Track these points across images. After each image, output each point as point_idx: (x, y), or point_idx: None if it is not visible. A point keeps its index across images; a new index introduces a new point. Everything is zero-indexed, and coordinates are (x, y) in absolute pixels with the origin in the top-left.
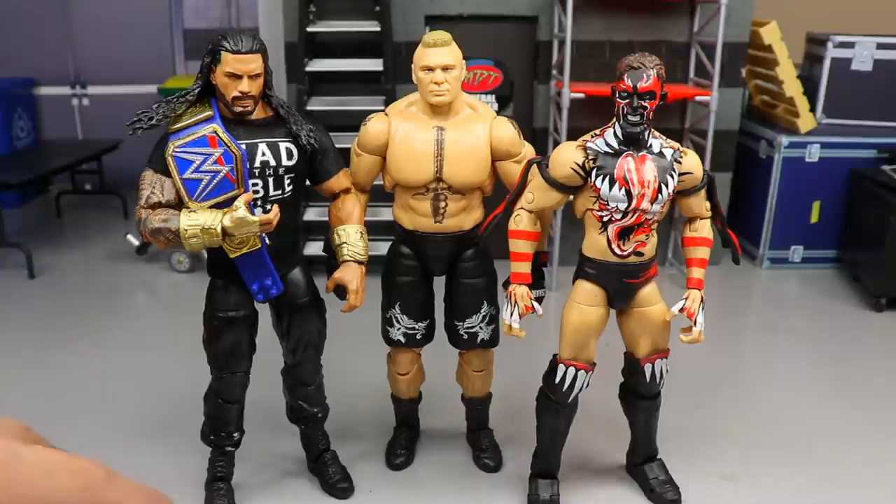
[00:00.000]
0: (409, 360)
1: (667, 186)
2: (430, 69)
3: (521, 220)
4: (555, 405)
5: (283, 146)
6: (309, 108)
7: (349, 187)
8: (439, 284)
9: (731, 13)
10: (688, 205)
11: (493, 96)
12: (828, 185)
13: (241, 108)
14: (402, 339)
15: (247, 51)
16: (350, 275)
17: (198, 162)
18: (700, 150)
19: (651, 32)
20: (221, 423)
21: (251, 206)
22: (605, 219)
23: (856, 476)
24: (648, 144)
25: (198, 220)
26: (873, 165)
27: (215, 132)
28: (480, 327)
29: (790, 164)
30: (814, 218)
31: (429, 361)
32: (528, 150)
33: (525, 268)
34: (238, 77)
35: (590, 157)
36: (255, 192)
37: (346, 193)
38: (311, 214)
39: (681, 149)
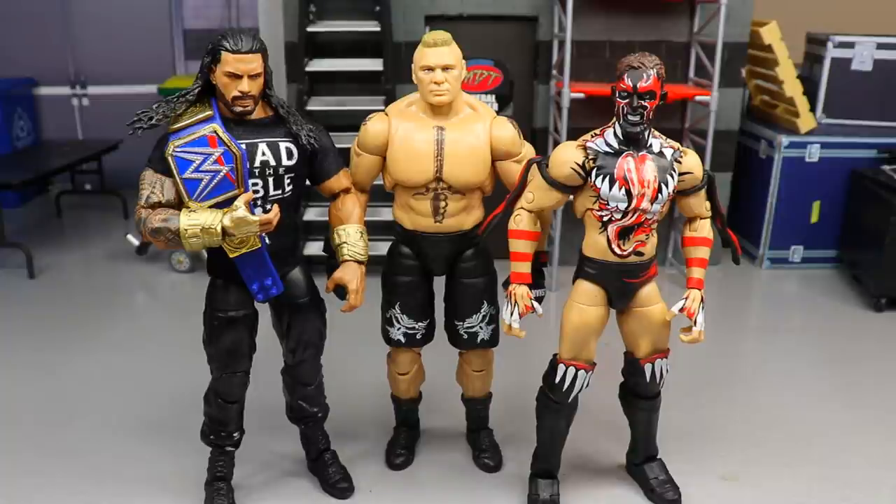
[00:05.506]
0: (409, 360)
1: (667, 186)
2: (430, 69)
3: (521, 220)
4: (555, 405)
5: (283, 146)
6: (309, 108)
7: (349, 187)
8: (439, 284)
9: (731, 13)
10: (688, 205)
11: (493, 96)
12: (828, 185)
13: (241, 108)
14: (402, 339)
15: (247, 51)
16: (350, 275)
17: (198, 162)
18: (700, 150)
19: (651, 32)
20: (221, 423)
21: (251, 205)
22: (605, 219)
23: (856, 476)
24: (648, 144)
25: (198, 220)
26: (873, 165)
27: (215, 132)
28: (480, 327)
29: (790, 164)
30: (814, 218)
31: (429, 361)
32: (528, 150)
33: (525, 268)
34: (238, 77)
35: (590, 157)
36: (255, 191)
37: (346, 193)
38: (311, 214)
39: (681, 148)
